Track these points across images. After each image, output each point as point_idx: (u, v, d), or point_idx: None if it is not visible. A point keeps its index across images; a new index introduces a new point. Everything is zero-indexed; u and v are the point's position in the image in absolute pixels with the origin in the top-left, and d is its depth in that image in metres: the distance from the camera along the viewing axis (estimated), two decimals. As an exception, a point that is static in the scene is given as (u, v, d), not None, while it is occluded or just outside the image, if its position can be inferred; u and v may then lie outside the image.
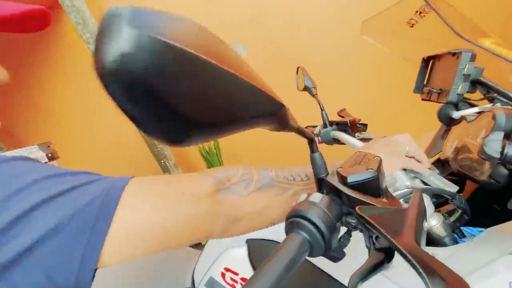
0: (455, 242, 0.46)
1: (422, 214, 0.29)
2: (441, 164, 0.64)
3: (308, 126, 0.97)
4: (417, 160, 0.45)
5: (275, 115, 0.23)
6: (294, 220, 0.30)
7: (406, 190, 0.41)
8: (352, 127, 0.73)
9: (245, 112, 0.19)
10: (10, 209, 0.20)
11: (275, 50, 2.03)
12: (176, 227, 0.28)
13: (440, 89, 0.49)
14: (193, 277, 0.74)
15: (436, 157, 0.65)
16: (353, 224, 0.32)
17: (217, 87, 0.16)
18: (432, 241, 0.46)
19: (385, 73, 1.88)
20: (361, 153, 0.39)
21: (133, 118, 0.15)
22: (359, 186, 0.33)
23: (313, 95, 0.84)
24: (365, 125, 0.79)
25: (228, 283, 0.59)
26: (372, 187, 0.33)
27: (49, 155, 1.14)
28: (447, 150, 0.57)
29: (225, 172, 0.35)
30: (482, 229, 0.81)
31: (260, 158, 2.34)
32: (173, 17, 0.16)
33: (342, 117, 0.88)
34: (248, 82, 0.18)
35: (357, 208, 0.24)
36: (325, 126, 0.80)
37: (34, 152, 1.11)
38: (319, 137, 0.82)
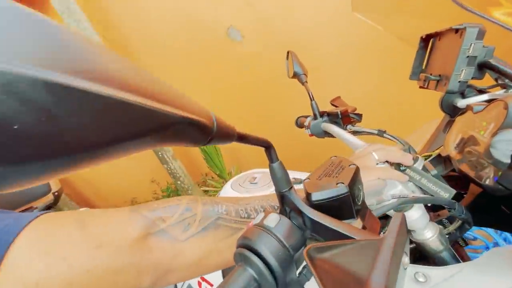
0: (454, 256, 0.39)
1: (401, 246, 0.22)
2: (442, 161, 0.56)
3: (300, 117, 0.89)
4: (392, 162, 0.40)
5: (180, 130, 0.16)
6: (241, 251, 0.24)
7: (393, 200, 0.34)
8: (344, 118, 0.65)
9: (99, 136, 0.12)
10: None
11: (269, 34, 1.91)
12: (85, 284, 0.22)
13: (439, 75, 0.40)
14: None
15: (437, 152, 0.57)
16: (318, 253, 0.26)
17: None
18: (427, 255, 0.39)
19: (387, 56, 1.75)
20: (337, 158, 0.32)
21: None
22: (326, 204, 0.26)
23: (302, 83, 0.76)
24: (359, 116, 0.71)
25: (204, 292, 0.55)
26: (344, 205, 0.26)
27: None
28: (449, 146, 0.49)
29: (161, 210, 0.29)
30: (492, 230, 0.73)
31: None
32: None
33: (336, 106, 0.80)
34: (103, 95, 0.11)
35: (305, 250, 0.18)
36: (315, 117, 0.73)
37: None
38: (309, 130, 0.74)
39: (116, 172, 2.78)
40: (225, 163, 2.26)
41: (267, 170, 0.83)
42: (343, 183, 0.26)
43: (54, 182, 1.51)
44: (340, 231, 0.23)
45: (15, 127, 0.10)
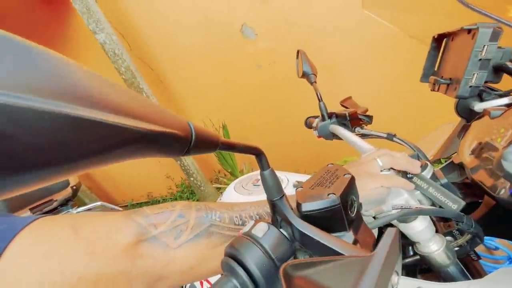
0: (462, 271, 0.37)
1: (392, 265, 0.21)
2: (457, 167, 0.53)
3: (310, 117, 0.87)
4: (398, 170, 0.37)
5: (151, 143, 0.16)
6: (226, 260, 0.24)
7: (394, 212, 0.32)
8: (352, 120, 0.63)
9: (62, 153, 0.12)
10: None
11: (283, 32, 1.88)
12: None
13: (450, 79, 0.37)
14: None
15: (453, 158, 0.53)
16: (306, 266, 0.25)
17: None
18: (433, 269, 0.37)
19: (402, 55, 1.67)
20: (333, 166, 0.31)
21: None
22: (317, 216, 0.25)
23: (311, 83, 0.74)
24: (370, 117, 0.68)
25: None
26: (335, 217, 0.25)
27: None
28: (464, 152, 0.46)
29: (154, 216, 0.28)
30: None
31: (271, 140, 2.26)
32: None
33: (346, 107, 0.77)
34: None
35: (281, 268, 0.17)
36: (323, 118, 0.71)
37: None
38: (317, 131, 0.73)
39: (134, 168, 2.88)
40: (237, 161, 2.27)
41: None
42: (334, 194, 0.25)
43: (72, 177, 1.60)
44: (328, 245, 0.23)
45: None
